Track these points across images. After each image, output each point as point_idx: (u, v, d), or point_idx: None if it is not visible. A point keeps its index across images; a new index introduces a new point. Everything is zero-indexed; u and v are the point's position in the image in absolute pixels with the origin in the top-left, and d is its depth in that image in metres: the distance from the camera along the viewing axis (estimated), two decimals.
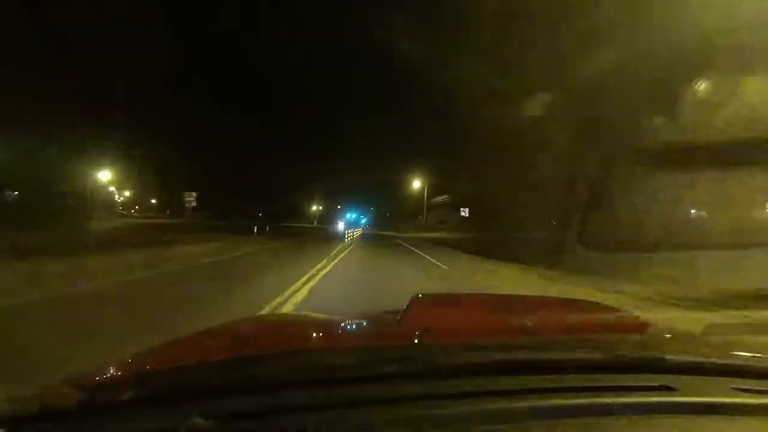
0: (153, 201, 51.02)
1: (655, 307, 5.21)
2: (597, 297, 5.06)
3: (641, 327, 1.19)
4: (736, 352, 0.86)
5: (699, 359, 0.75)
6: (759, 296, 4.81)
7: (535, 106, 11.20)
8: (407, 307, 1.21)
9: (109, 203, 32.75)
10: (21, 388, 0.68)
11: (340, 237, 21.67)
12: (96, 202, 22.54)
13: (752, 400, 0.65)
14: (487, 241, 14.31)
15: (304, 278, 6.16)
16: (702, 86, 7.26)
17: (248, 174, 46.01)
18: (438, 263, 10.12)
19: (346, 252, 12.10)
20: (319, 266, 7.76)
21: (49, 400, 0.63)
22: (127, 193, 44.06)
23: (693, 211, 9.85)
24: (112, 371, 0.79)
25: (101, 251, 7.30)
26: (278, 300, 4.53)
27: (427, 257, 11.72)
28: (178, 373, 0.71)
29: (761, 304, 4.56)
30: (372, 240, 22.41)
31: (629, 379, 0.69)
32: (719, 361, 0.76)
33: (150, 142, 27.28)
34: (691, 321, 4.04)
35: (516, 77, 11.73)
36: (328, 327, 1.23)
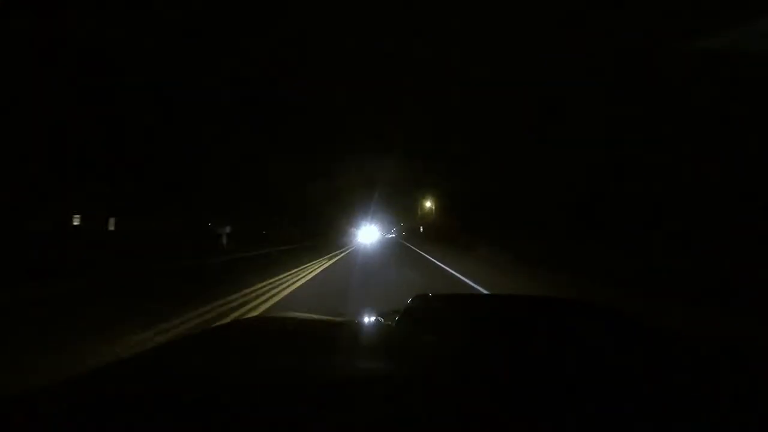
0: None
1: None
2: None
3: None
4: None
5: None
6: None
7: None
8: (407, 307, 1.22)
9: None
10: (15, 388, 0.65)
11: None
12: None
13: None
14: None
15: None
16: None
17: None
18: None
19: None
20: None
21: (50, 401, 0.60)
22: None
23: None
24: (107, 372, 0.75)
25: None
26: None
27: None
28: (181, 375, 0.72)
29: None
30: None
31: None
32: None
33: None
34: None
35: None
36: (322, 330, 1.18)
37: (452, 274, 8.02)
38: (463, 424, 0.54)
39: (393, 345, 0.95)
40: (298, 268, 8.98)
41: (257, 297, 5.39)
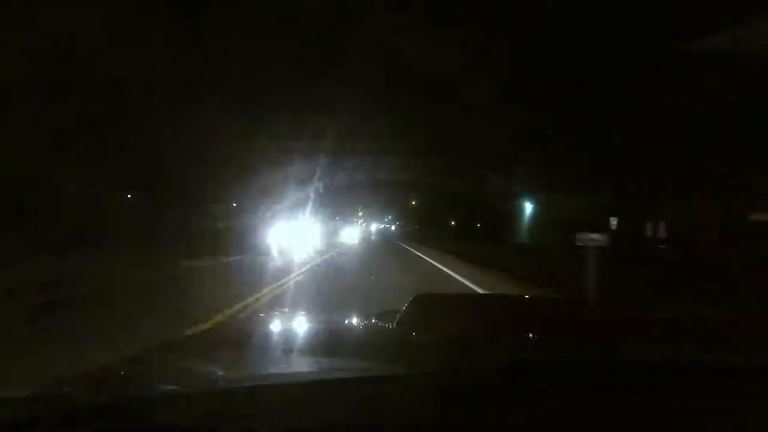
0: None
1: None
2: None
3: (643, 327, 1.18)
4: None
5: (704, 360, 0.76)
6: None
7: None
8: (407, 307, 1.22)
9: None
10: (17, 389, 0.60)
11: None
12: None
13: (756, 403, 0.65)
14: None
15: None
16: None
17: None
18: None
19: None
20: None
21: (51, 401, 0.60)
22: None
23: None
24: (118, 369, 0.78)
25: None
26: None
27: None
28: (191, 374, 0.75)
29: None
30: None
31: (634, 380, 0.67)
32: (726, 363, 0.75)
33: None
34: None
35: None
36: (323, 330, 1.23)
37: None
38: (462, 423, 0.55)
39: (393, 345, 0.95)
40: None
41: None
